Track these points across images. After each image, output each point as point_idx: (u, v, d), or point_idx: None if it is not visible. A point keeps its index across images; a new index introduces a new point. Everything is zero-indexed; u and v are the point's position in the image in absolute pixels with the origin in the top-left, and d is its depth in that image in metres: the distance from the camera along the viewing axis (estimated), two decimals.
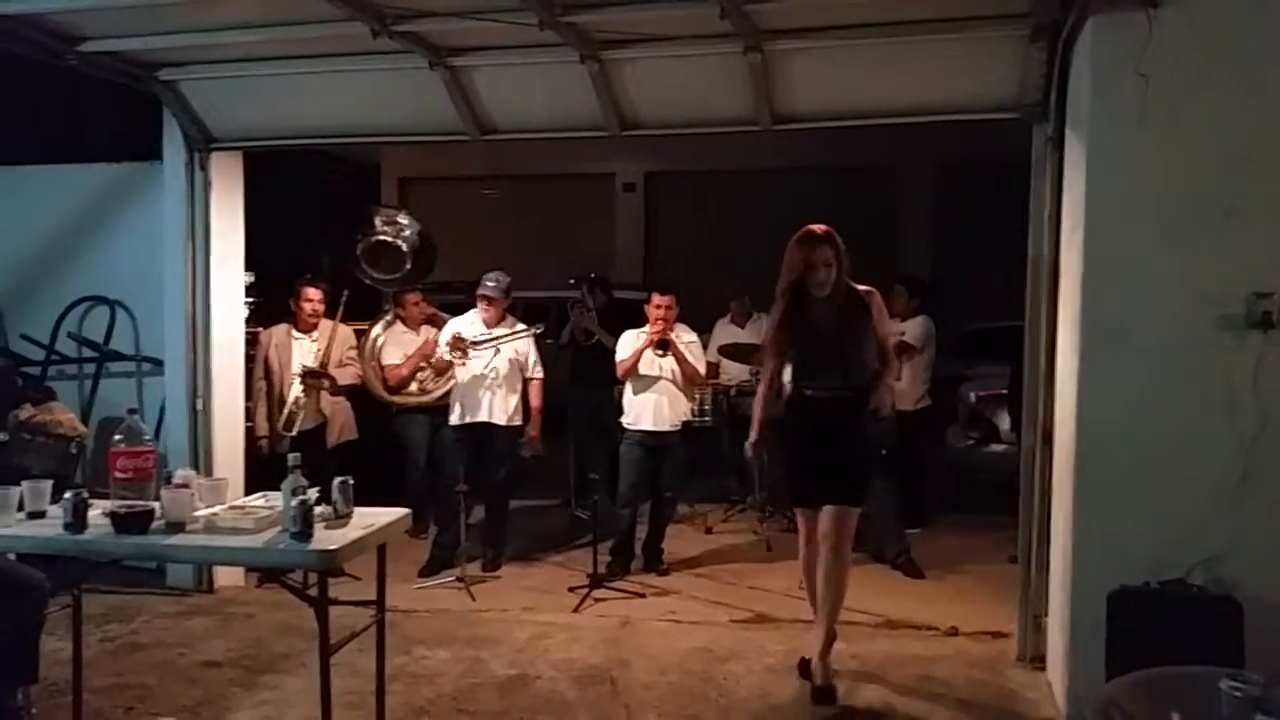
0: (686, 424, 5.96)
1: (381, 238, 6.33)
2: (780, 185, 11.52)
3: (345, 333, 6.13)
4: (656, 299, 5.74)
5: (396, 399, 6.45)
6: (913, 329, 6.27)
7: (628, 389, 5.84)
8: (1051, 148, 4.28)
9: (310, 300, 5.98)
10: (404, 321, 6.56)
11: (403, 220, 6.51)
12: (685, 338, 5.78)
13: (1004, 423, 7.09)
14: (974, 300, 9.16)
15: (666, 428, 5.79)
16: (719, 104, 4.91)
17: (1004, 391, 6.70)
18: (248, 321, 6.00)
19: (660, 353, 5.68)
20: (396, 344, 6.45)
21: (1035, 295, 4.38)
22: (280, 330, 6.01)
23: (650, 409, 5.76)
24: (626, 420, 5.86)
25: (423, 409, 6.46)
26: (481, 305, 5.89)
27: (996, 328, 7.97)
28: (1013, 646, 4.52)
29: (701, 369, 5.97)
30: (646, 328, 5.75)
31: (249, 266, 5.88)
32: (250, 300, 5.98)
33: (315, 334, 5.99)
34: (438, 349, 5.97)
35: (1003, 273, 5.40)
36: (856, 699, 4.05)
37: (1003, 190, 6.59)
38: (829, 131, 5.01)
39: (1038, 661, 4.35)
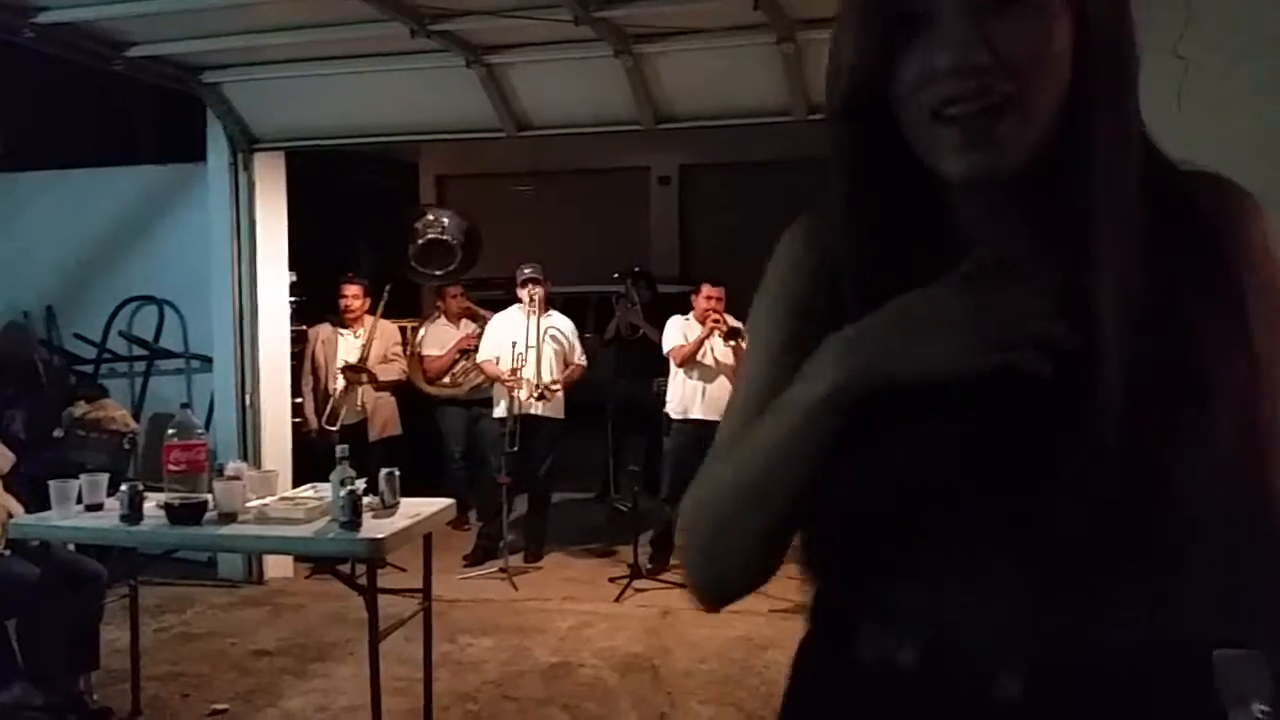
0: None
1: (431, 236, 6.50)
2: (816, 177, 11.45)
3: (388, 329, 6.24)
4: (708, 290, 5.71)
5: (432, 389, 6.55)
6: None
7: (677, 377, 5.76)
8: None
9: (345, 296, 6.10)
10: (445, 315, 6.67)
11: (445, 217, 6.66)
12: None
13: None
14: None
15: (715, 416, 5.74)
16: (753, 95, 4.91)
17: None
18: (292, 320, 6.13)
19: (733, 342, 5.65)
20: (436, 337, 6.57)
21: None
22: (325, 327, 6.15)
23: (701, 397, 5.69)
24: (674, 410, 5.76)
25: (457, 400, 6.55)
26: (529, 289, 5.92)
27: None
28: None
29: None
30: (691, 315, 5.75)
31: (292, 266, 6.00)
32: (294, 299, 6.10)
33: (360, 330, 6.11)
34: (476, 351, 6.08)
35: None
36: None
37: None
38: None
39: None
